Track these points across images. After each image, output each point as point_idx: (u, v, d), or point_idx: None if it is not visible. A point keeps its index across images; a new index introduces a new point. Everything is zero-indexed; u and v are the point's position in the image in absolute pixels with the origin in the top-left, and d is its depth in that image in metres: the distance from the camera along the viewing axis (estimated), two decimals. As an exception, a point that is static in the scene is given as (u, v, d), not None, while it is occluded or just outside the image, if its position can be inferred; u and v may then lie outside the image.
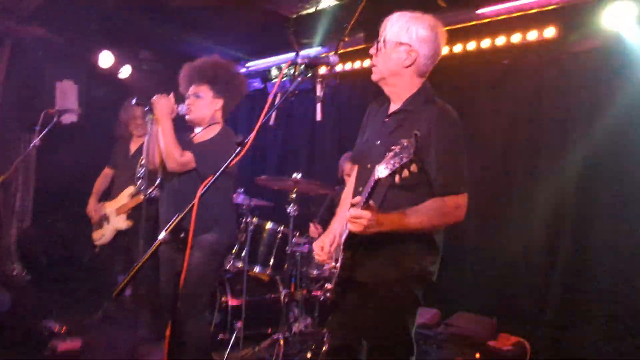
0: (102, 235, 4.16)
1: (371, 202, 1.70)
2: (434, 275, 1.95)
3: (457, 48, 4.05)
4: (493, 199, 3.90)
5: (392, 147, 1.59)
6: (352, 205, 1.76)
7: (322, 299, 2.03)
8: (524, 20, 3.65)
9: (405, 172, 1.55)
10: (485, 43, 3.90)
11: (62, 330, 3.78)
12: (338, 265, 1.92)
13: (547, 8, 3.50)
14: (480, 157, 3.96)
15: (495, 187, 3.91)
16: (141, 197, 3.32)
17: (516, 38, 3.75)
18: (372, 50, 2.01)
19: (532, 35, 3.67)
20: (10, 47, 5.00)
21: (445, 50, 4.03)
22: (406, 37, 1.96)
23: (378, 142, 1.98)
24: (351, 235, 1.81)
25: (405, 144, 1.55)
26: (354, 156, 2.25)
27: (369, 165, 1.94)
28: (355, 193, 2.00)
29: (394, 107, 2.03)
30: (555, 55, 3.67)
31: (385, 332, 1.91)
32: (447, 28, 3.87)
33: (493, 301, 3.83)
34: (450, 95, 4.10)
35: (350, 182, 2.21)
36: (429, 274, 1.93)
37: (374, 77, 2.03)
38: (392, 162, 1.57)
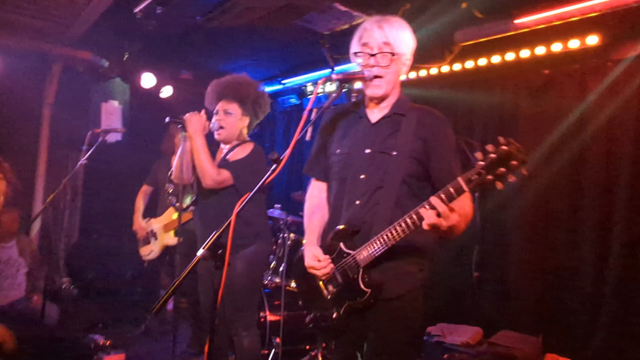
0: (151, 251, 4.28)
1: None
2: (425, 281, 1.94)
3: (496, 59, 3.98)
4: (537, 213, 3.78)
5: (481, 156, 1.54)
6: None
7: (327, 324, 1.97)
8: (565, 29, 3.56)
9: (512, 178, 1.53)
10: (525, 53, 3.82)
11: (107, 343, 3.87)
12: (334, 288, 1.90)
13: (589, 15, 3.39)
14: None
15: (539, 201, 3.79)
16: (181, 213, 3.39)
17: (557, 47, 3.65)
18: (383, 62, 1.89)
19: (574, 43, 3.57)
20: (60, 70, 5.27)
21: (483, 62, 4.05)
22: (405, 47, 1.92)
23: (368, 151, 1.90)
24: (373, 261, 1.81)
25: (506, 149, 1.50)
26: (313, 169, 2.12)
27: (362, 176, 1.89)
28: (346, 205, 1.91)
29: (378, 113, 1.95)
30: (599, 63, 3.55)
31: (403, 348, 1.87)
32: (484, 39, 3.88)
33: (538, 319, 3.68)
34: (490, 108, 4.11)
35: (318, 202, 2.09)
36: (425, 280, 1.93)
37: (378, 92, 1.92)
38: (498, 169, 1.52)
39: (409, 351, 1.90)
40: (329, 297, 1.92)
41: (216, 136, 2.91)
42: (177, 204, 2.84)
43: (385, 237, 1.76)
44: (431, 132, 1.79)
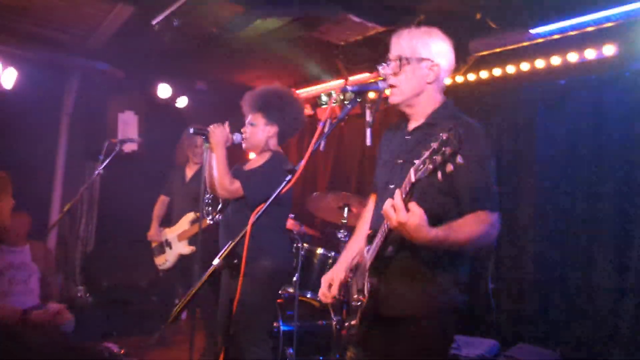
0: (166, 261, 4.31)
1: (412, 202, 1.55)
2: (465, 305, 1.82)
3: (510, 69, 3.97)
4: (554, 226, 3.73)
5: (430, 145, 1.44)
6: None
7: (346, 336, 1.94)
8: (581, 39, 3.53)
9: (450, 167, 1.40)
10: (540, 63, 3.80)
11: (122, 352, 3.89)
12: (362, 297, 1.84)
13: (605, 25, 3.37)
14: (538, 183, 3.82)
15: (556, 212, 3.74)
16: (205, 222, 3.42)
17: (573, 57, 3.63)
18: (389, 70, 1.89)
19: (590, 54, 3.54)
20: (79, 81, 5.36)
21: (498, 72, 4.03)
22: (426, 51, 1.88)
23: (400, 161, 1.89)
24: (377, 260, 1.76)
25: (445, 137, 1.40)
26: (373, 184, 2.13)
27: (391, 186, 1.86)
28: (377, 215, 1.91)
29: (414, 124, 1.95)
30: (616, 74, 3.52)
31: None
32: (499, 49, 3.87)
33: (556, 332, 3.62)
34: (504, 119, 4.09)
35: (367, 212, 2.14)
36: (458, 304, 1.82)
37: (394, 100, 1.92)
38: (433, 158, 1.42)
39: None
40: (353, 303, 1.93)
41: (243, 147, 2.95)
42: (202, 213, 2.87)
43: (379, 234, 1.73)
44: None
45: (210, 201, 2.86)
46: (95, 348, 3.89)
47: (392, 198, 1.55)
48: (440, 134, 1.42)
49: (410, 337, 1.79)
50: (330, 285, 1.98)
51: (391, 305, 1.79)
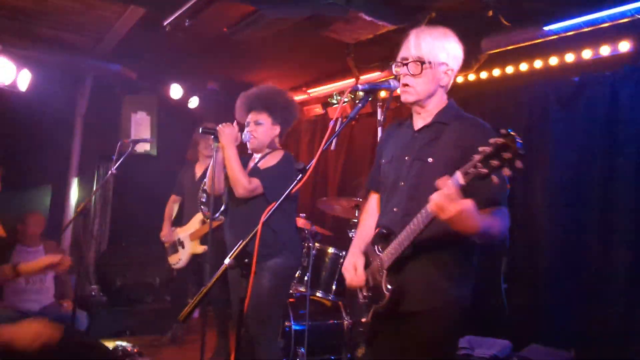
0: (179, 260, 4.35)
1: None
2: (469, 301, 1.87)
3: (523, 67, 3.93)
4: (568, 224, 3.69)
5: (482, 150, 1.46)
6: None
7: (357, 332, 1.96)
8: (595, 36, 3.49)
9: (507, 171, 1.42)
10: (553, 60, 3.76)
11: (135, 350, 3.93)
12: (371, 293, 1.87)
13: (620, 21, 3.32)
14: (552, 182, 3.77)
15: (569, 212, 3.70)
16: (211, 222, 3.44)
17: (587, 54, 3.58)
18: (408, 71, 1.91)
19: (605, 50, 3.49)
20: (92, 83, 5.42)
21: (510, 70, 4.00)
22: (444, 55, 1.90)
23: (407, 158, 1.93)
24: (398, 260, 1.78)
25: (501, 142, 1.42)
26: (371, 182, 2.16)
27: (401, 183, 1.91)
28: (389, 211, 1.94)
29: (422, 122, 1.97)
30: (631, 70, 3.47)
31: None
32: (512, 47, 3.83)
33: (570, 332, 3.58)
34: (517, 116, 4.05)
35: (371, 211, 2.15)
36: (466, 300, 1.86)
37: (409, 99, 1.93)
38: (489, 162, 1.43)
39: None
40: (362, 301, 1.95)
41: (249, 146, 2.96)
42: (207, 213, 2.88)
43: (404, 233, 1.75)
44: (472, 141, 1.75)
45: (209, 201, 2.87)
46: (109, 346, 3.93)
47: (442, 190, 1.54)
48: (494, 140, 1.44)
49: (424, 332, 1.81)
50: (355, 269, 1.99)
51: (408, 302, 1.81)
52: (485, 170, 1.45)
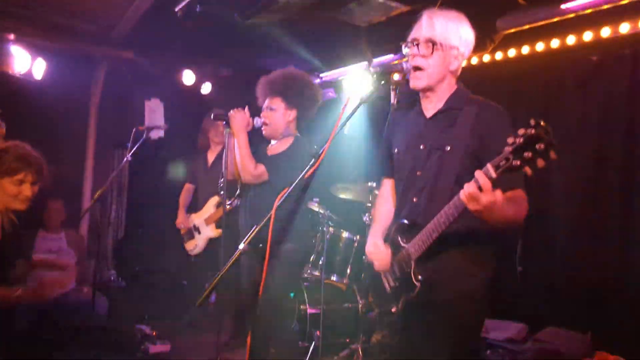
0: (196, 246, 4.40)
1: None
2: (492, 282, 1.89)
3: (540, 47, 3.84)
4: (585, 206, 3.63)
5: (512, 141, 1.44)
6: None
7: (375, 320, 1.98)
8: (615, 13, 3.39)
9: (541, 162, 1.40)
10: (571, 40, 3.66)
11: (153, 334, 4.00)
12: (398, 284, 1.88)
13: (641, -3, 3.23)
14: (569, 163, 3.71)
15: (587, 194, 3.64)
16: (225, 206, 3.47)
17: (606, 32, 3.49)
18: (418, 51, 1.87)
19: (625, 28, 3.40)
20: (105, 71, 5.44)
21: (526, 50, 3.91)
22: (456, 39, 1.87)
23: (422, 147, 1.91)
24: (427, 250, 1.78)
25: (533, 132, 1.40)
26: (383, 168, 2.15)
27: (419, 173, 1.90)
28: (405, 201, 1.94)
29: (431, 107, 1.94)
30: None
31: (461, 352, 1.83)
32: (528, 26, 3.75)
33: (587, 315, 3.55)
34: (533, 98, 3.98)
35: (386, 196, 2.15)
36: (490, 282, 1.88)
37: (419, 84, 1.89)
38: (523, 154, 1.42)
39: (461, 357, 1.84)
40: (389, 291, 1.96)
41: (263, 132, 2.95)
42: (224, 197, 2.90)
43: (432, 225, 1.74)
44: (489, 128, 1.73)
45: (225, 185, 2.88)
46: (128, 330, 4.02)
47: (474, 181, 1.54)
48: (525, 130, 1.42)
49: (458, 317, 1.83)
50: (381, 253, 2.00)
51: (440, 290, 1.82)
52: (517, 162, 1.44)
